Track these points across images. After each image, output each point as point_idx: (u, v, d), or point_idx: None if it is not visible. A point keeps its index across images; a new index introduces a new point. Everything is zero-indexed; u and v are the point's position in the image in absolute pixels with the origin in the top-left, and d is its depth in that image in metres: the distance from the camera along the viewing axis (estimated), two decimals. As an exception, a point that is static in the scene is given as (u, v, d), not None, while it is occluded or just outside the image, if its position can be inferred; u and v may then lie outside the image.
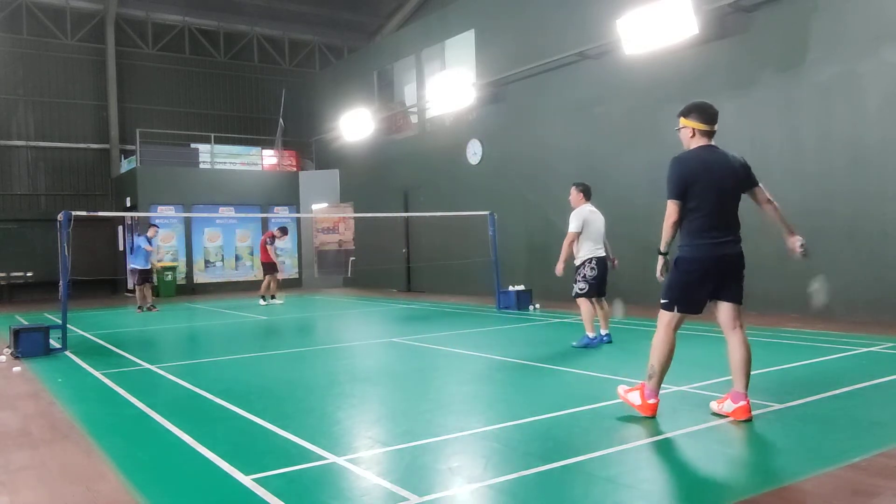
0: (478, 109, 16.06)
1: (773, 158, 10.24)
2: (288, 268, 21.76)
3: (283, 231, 16.14)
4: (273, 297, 15.48)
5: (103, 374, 7.00)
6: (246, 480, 3.59)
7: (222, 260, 20.82)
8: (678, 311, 4.60)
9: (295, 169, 22.58)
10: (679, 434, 4.21)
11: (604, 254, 7.81)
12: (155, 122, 22.64)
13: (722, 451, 3.91)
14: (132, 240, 20.33)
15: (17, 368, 7.51)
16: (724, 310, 4.59)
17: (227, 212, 20.59)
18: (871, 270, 9.14)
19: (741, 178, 4.67)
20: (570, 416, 4.75)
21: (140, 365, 7.56)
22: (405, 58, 19.26)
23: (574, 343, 7.76)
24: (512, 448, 4.15)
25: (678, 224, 4.56)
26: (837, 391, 5.19)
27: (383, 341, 9.18)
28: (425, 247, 17.65)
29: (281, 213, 21.20)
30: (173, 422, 4.87)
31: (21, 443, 4.59)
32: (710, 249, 4.51)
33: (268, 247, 15.42)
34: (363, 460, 3.96)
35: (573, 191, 8.10)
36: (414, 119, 19.72)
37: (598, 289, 7.77)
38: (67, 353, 8.52)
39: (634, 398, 4.72)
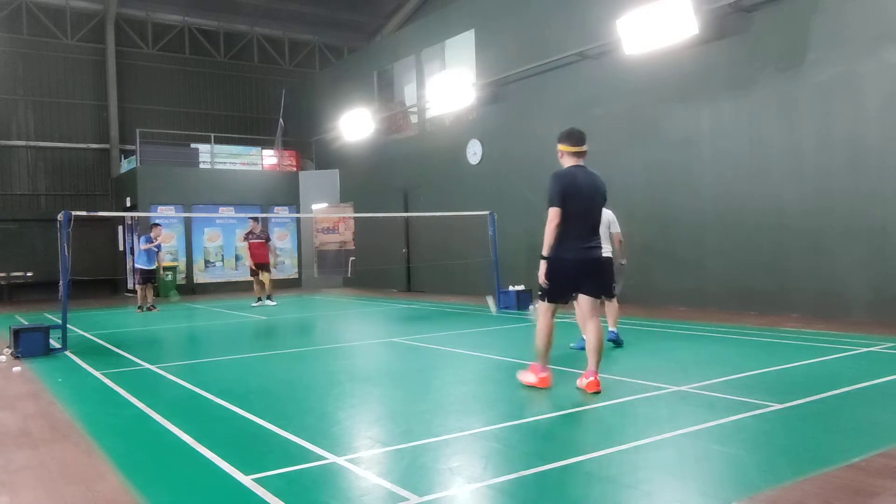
0: (478, 109, 16.06)
1: (773, 158, 10.25)
2: (288, 268, 21.77)
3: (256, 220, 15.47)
4: (269, 297, 15.02)
5: (103, 374, 7.00)
6: (246, 480, 3.59)
7: (222, 260, 20.81)
8: (551, 301, 5.53)
9: (295, 169, 22.57)
10: (679, 434, 4.21)
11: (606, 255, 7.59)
12: (155, 122, 22.65)
13: (722, 451, 3.91)
14: (133, 240, 20.35)
15: (17, 368, 7.51)
16: (584, 301, 5.58)
17: (227, 212, 20.59)
18: (871, 270, 9.14)
19: (602, 195, 5.61)
20: (570, 416, 4.75)
21: (140, 365, 7.56)
22: (405, 58, 19.26)
23: (572, 345, 7.73)
24: (512, 448, 4.15)
25: (558, 228, 5.40)
26: (837, 391, 5.19)
27: (383, 341, 9.18)
28: (425, 247, 17.65)
29: (281, 213, 21.20)
30: (173, 422, 4.87)
31: (21, 443, 4.59)
32: (577, 252, 5.42)
33: (268, 244, 14.92)
34: (363, 460, 3.96)
35: None
36: (414, 119, 19.72)
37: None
38: (67, 353, 8.52)
39: (529, 378, 5.60)
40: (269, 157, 22.42)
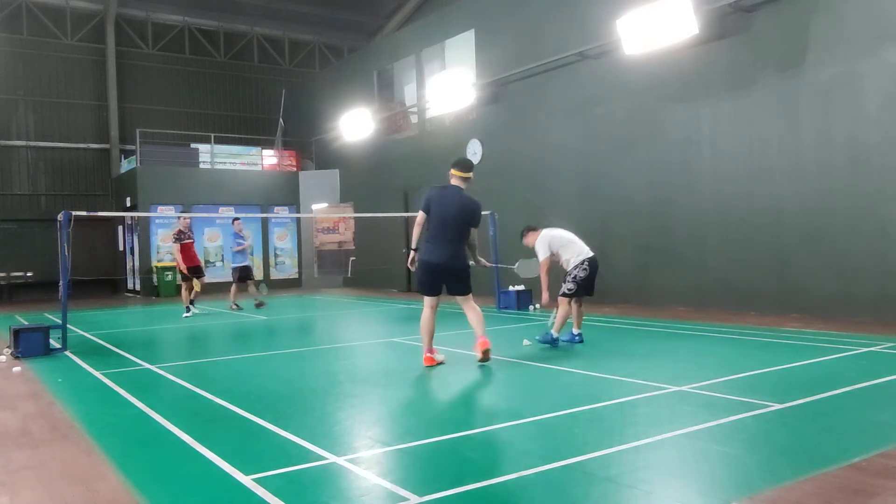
0: (478, 109, 16.06)
1: (773, 158, 10.25)
2: (288, 268, 21.77)
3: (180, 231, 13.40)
4: (192, 302, 13.23)
5: (103, 374, 7.00)
6: (246, 480, 3.59)
7: (222, 260, 20.81)
8: (424, 294, 6.80)
9: (295, 169, 22.57)
10: (679, 434, 4.21)
11: (592, 253, 7.89)
12: (155, 122, 22.65)
13: (722, 451, 3.91)
14: (133, 240, 20.34)
15: (17, 368, 7.50)
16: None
17: (227, 212, 20.57)
18: (871, 270, 9.13)
19: (466, 215, 6.72)
20: (570, 416, 4.75)
21: (140, 365, 7.56)
22: (405, 58, 19.26)
23: (537, 337, 7.92)
24: (512, 448, 4.15)
25: (422, 227, 6.74)
26: (837, 391, 5.19)
27: (383, 341, 9.18)
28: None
29: (281, 213, 21.20)
30: (173, 422, 4.86)
31: (21, 443, 4.58)
32: (431, 256, 6.65)
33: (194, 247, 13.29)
34: (363, 460, 3.96)
35: (528, 235, 8.23)
36: (414, 119, 19.71)
37: (587, 289, 7.86)
38: (67, 353, 8.52)
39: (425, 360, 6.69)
40: (269, 157, 22.42)
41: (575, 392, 5.59)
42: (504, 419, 4.70)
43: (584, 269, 7.73)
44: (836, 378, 5.65)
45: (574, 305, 7.90)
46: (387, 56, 20.31)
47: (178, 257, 12.93)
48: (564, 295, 7.76)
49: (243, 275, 14.05)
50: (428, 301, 6.77)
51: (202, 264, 13.74)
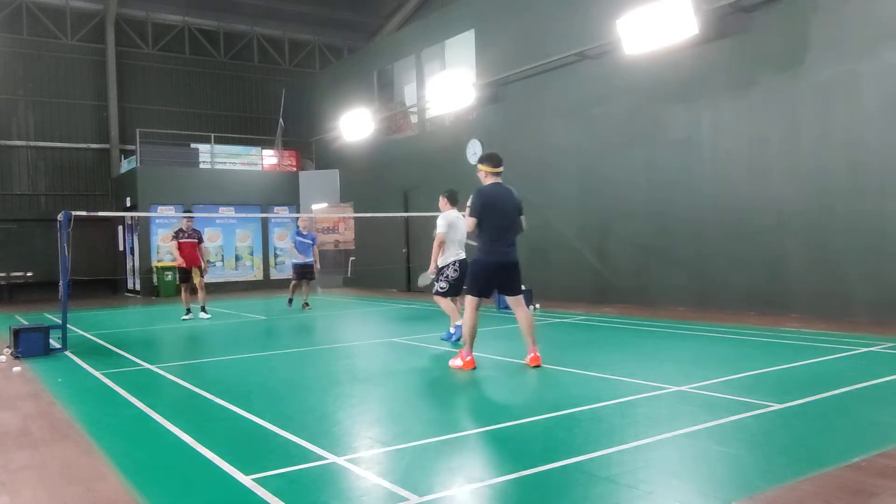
0: (478, 109, 16.05)
1: (773, 158, 10.25)
2: (287, 268, 21.74)
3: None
4: (203, 308, 12.80)
5: (103, 374, 7.00)
6: (246, 480, 3.59)
7: (222, 260, 20.81)
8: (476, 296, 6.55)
9: (295, 169, 22.56)
10: (679, 434, 4.21)
11: (465, 257, 8.20)
12: (155, 122, 22.64)
13: (722, 451, 3.91)
14: (132, 240, 20.34)
15: (17, 368, 7.51)
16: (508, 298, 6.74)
17: (227, 212, 20.58)
18: (871, 270, 9.14)
19: (518, 207, 6.58)
20: (570, 416, 4.75)
21: (140, 365, 7.56)
22: (405, 58, 19.25)
23: (442, 336, 8.42)
24: (512, 448, 4.15)
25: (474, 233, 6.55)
26: (837, 391, 5.19)
27: (383, 341, 9.18)
28: (425, 247, 17.61)
29: (281, 213, 21.20)
30: (173, 422, 4.87)
31: (21, 443, 4.59)
32: (497, 255, 6.48)
33: (200, 245, 12.96)
34: (363, 460, 3.96)
35: (441, 199, 8.53)
36: (414, 119, 19.71)
37: (456, 289, 8.23)
38: (67, 353, 8.52)
39: (458, 363, 6.57)
40: (269, 157, 22.41)
41: (575, 392, 5.59)
42: (504, 419, 4.70)
43: (456, 269, 8.16)
44: (836, 378, 5.66)
45: (454, 302, 8.35)
46: (387, 56, 20.30)
47: (176, 254, 12.77)
48: (437, 293, 8.20)
49: (301, 272, 14.06)
50: (476, 303, 6.54)
51: (200, 266, 13.17)
